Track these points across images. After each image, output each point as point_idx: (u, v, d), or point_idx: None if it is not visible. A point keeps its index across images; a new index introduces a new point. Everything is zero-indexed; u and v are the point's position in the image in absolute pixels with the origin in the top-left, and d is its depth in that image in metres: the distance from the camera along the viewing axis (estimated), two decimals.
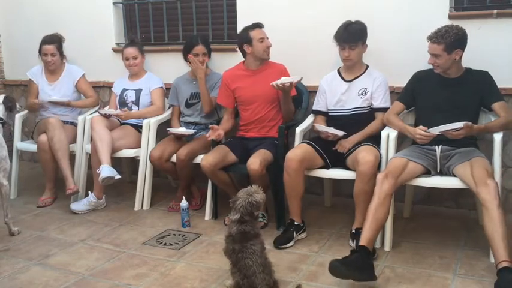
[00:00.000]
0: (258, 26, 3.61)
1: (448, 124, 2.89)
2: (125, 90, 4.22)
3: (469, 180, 2.80)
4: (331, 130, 3.26)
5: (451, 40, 2.96)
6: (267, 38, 3.60)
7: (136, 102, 4.15)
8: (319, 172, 3.31)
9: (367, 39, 3.37)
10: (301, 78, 3.45)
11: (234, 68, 3.78)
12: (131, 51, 4.15)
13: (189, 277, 2.83)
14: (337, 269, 2.57)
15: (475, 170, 2.79)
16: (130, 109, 4.14)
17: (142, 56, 4.22)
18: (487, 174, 2.74)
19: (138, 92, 4.17)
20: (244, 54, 3.67)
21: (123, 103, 4.18)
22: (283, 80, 3.39)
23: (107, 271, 2.92)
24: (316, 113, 3.58)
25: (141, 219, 3.74)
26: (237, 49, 3.73)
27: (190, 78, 4.03)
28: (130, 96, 4.17)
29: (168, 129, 3.87)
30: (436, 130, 2.94)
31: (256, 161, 3.29)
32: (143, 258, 3.09)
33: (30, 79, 4.38)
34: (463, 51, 3.04)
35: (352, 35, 3.30)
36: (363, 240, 2.72)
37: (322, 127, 3.32)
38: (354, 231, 3.15)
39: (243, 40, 3.61)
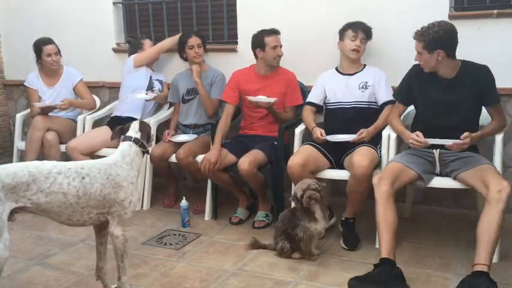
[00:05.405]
0: (274, 32, 3.54)
1: (446, 139, 2.81)
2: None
3: (480, 185, 2.68)
4: (342, 137, 3.20)
5: (429, 38, 2.76)
6: (281, 46, 3.55)
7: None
8: (319, 173, 3.25)
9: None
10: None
11: (245, 69, 3.72)
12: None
13: (189, 277, 2.83)
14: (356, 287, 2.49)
15: (488, 175, 2.67)
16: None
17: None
18: (502, 177, 2.66)
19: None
20: (256, 57, 3.63)
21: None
22: (259, 98, 3.41)
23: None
24: (308, 104, 3.53)
25: (141, 219, 3.74)
26: (237, 49, 3.71)
27: (190, 74, 3.95)
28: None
29: (169, 139, 3.83)
30: (432, 141, 2.85)
31: (245, 162, 3.31)
32: (143, 258, 3.09)
33: (28, 87, 4.35)
34: (446, 53, 2.79)
35: (368, 29, 3.39)
36: (383, 252, 2.61)
37: (332, 137, 3.22)
38: (343, 218, 3.24)
39: (256, 44, 3.56)
